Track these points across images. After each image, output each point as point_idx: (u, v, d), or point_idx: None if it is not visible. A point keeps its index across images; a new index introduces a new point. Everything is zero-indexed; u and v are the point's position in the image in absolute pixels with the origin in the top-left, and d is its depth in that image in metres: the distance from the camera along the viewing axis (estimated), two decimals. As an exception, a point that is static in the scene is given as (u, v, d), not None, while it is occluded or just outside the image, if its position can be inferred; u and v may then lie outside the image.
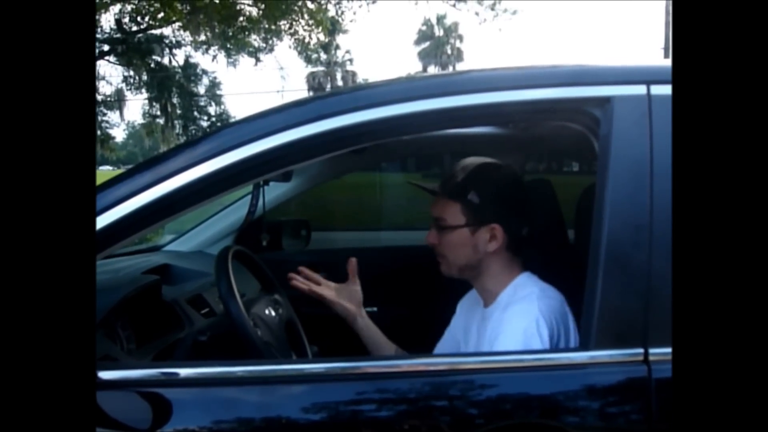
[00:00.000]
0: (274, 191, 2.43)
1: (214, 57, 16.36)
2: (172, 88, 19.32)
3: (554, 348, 1.26)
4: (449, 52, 42.89)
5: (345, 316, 1.64)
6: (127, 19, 14.96)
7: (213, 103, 26.08)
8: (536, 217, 1.45)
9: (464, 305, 1.62)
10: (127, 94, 19.72)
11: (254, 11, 13.41)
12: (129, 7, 14.16)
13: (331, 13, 14.08)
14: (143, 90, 19.14)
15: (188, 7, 12.72)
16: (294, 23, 13.59)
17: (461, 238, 1.40)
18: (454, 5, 14.32)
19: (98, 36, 15.09)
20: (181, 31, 15.38)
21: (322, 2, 13.50)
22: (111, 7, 13.47)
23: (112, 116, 20.77)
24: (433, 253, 1.49)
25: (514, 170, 1.51)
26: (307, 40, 14.07)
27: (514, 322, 1.29)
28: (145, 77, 18.12)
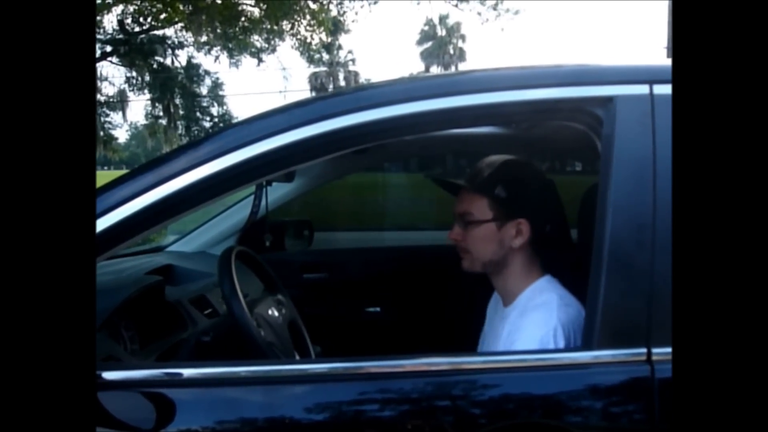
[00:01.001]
0: (277, 192, 2.44)
1: (217, 58, 16.40)
2: (174, 89, 19.33)
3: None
4: (452, 52, 42.83)
5: None
6: (129, 20, 14.99)
7: (215, 104, 26.12)
8: (559, 214, 1.44)
9: (491, 306, 1.61)
10: (130, 95, 19.75)
11: (256, 12, 13.43)
12: (131, 8, 14.19)
13: (333, 13, 14.10)
14: (146, 91, 19.17)
15: (190, 8, 12.74)
16: (296, 24, 13.60)
17: (488, 233, 1.40)
18: (456, 5, 14.34)
19: (101, 37, 15.13)
20: (184, 32, 15.44)
21: (324, 2, 13.51)
22: (113, 8, 13.51)
23: (115, 117, 20.85)
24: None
25: (538, 168, 1.51)
26: (309, 40, 14.09)
27: (531, 330, 1.27)
28: (147, 78, 18.14)
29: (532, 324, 1.28)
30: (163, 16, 13.69)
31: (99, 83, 18.10)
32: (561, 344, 1.23)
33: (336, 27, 16.09)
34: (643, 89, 1.17)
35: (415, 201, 3.75)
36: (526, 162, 1.50)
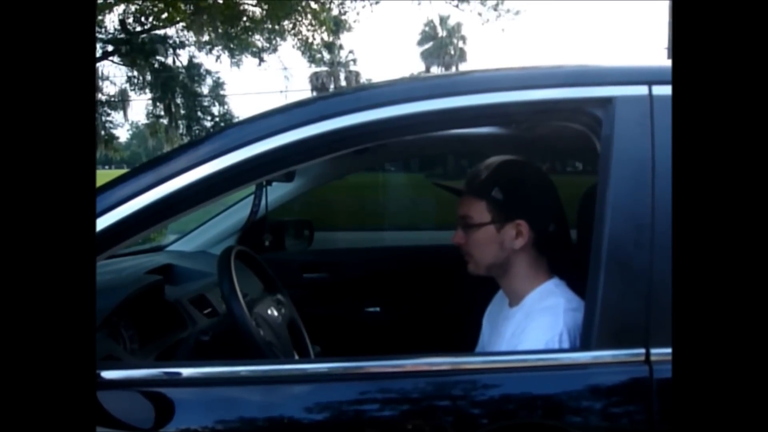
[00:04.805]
0: (277, 191, 2.44)
1: (218, 57, 16.38)
2: (175, 89, 19.31)
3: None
4: (452, 52, 42.91)
5: None
6: (131, 20, 14.98)
7: (216, 104, 26.10)
8: (562, 214, 1.43)
9: (489, 317, 1.60)
10: (131, 94, 19.76)
11: (257, 11, 13.42)
12: (133, 8, 14.19)
13: (335, 12, 14.09)
14: (147, 90, 19.16)
15: (192, 8, 12.74)
16: (297, 23, 13.60)
17: (487, 236, 1.39)
18: (457, 6, 14.32)
19: (102, 36, 15.14)
20: (185, 32, 15.45)
21: (326, 2, 13.51)
22: (115, 8, 13.51)
23: (116, 116, 20.86)
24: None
25: (538, 167, 1.49)
26: (310, 40, 14.09)
27: (537, 333, 1.27)
28: (148, 77, 18.13)
29: (539, 327, 1.28)
30: (164, 15, 13.69)
31: (100, 82, 18.12)
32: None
33: (337, 27, 16.10)
34: (642, 90, 1.17)
35: (415, 201, 3.76)
36: (525, 162, 1.49)
